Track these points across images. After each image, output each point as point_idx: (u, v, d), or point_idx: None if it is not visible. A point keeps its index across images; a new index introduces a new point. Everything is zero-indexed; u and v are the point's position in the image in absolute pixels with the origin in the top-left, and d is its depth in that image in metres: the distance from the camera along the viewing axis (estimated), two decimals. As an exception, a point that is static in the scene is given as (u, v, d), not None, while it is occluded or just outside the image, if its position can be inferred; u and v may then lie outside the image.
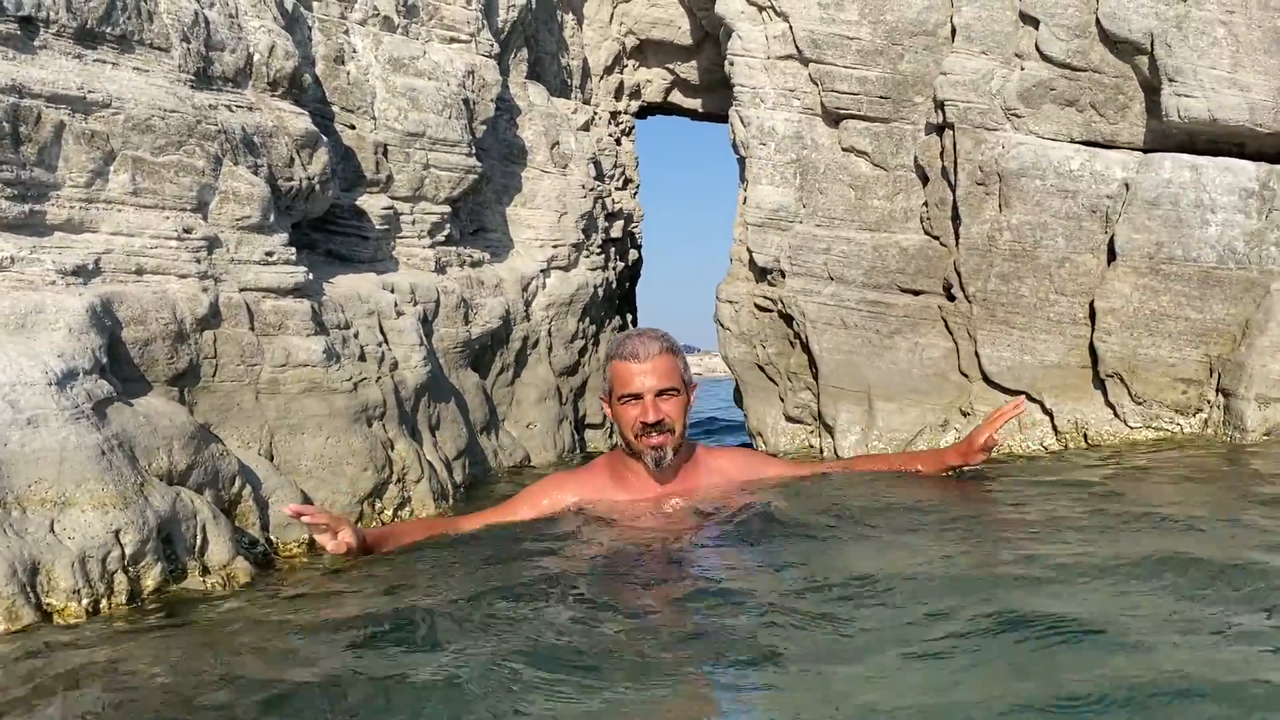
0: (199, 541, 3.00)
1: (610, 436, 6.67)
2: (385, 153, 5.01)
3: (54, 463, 2.70)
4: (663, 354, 3.23)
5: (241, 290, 3.68)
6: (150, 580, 2.80)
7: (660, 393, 3.20)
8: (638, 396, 3.20)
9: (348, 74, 4.91)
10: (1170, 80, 4.77)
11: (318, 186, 4.30)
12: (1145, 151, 5.03)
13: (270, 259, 3.80)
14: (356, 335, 4.14)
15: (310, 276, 3.95)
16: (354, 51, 4.99)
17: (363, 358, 4.09)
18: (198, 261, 3.55)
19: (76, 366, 2.90)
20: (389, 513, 3.97)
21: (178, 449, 3.11)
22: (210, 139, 3.66)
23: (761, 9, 5.62)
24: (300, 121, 4.25)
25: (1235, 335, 4.74)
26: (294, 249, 3.93)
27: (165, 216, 3.51)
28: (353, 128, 4.93)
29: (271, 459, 3.66)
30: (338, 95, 4.86)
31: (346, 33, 4.97)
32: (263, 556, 3.35)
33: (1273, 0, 4.78)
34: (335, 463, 3.79)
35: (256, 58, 4.11)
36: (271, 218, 3.84)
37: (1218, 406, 4.71)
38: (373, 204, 4.92)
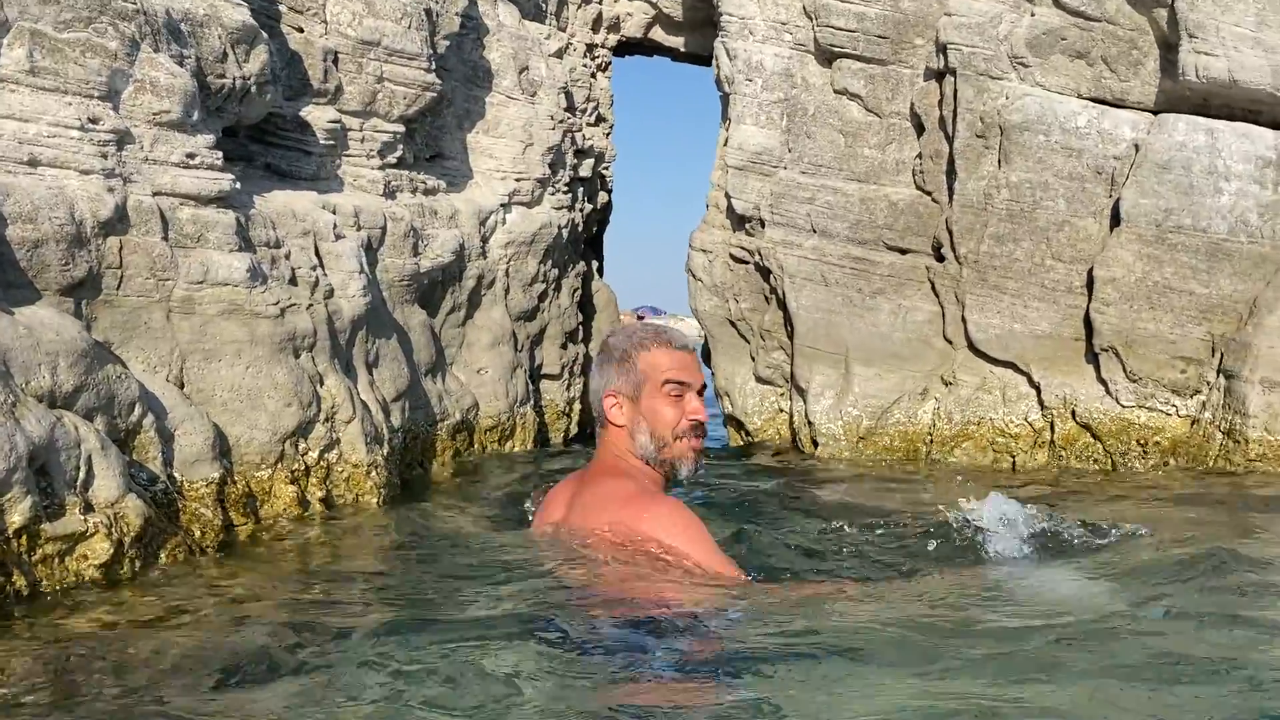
0: (82, 474, 2.59)
1: (569, 389, 6.28)
2: (335, 61, 4.54)
3: (-99, 373, 2.28)
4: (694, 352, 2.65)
5: (155, 194, 3.23)
6: (17, 516, 2.39)
7: (699, 392, 2.57)
8: (686, 386, 2.51)
9: (298, -30, 4.44)
10: (1190, 36, 4.42)
11: (254, 88, 3.85)
12: (1156, 113, 4.70)
13: (191, 161, 3.36)
14: (288, 256, 3.72)
15: (237, 186, 3.51)
16: (306, -54, 4.50)
17: (293, 281, 3.67)
18: (104, 157, 3.10)
19: (-59, 263, 2.47)
20: (314, 454, 3.58)
21: (64, 367, 2.69)
22: (127, 19, 3.20)
23: (756, -66, 5.19)
24: (237, 13, 3.78)
25: (1242, 313, 4.43)
26: (220, 154, 3.49)
27: (67, 102, 3.05)
28: (300, 30, 4.46)
29: (182, 386, 3.24)
30: (285, -7, 4.39)
31: (299, -75, 4.49)
32: (163, 496, 2.95)
33: (1307, -45, 4.44)
34: (254, 395, 3.38)
35: (189, -64, 3.64)
36: (195, 115, 3.40)
37: (1218, 389, 4.41)
38: (318, 116, 4.46)
